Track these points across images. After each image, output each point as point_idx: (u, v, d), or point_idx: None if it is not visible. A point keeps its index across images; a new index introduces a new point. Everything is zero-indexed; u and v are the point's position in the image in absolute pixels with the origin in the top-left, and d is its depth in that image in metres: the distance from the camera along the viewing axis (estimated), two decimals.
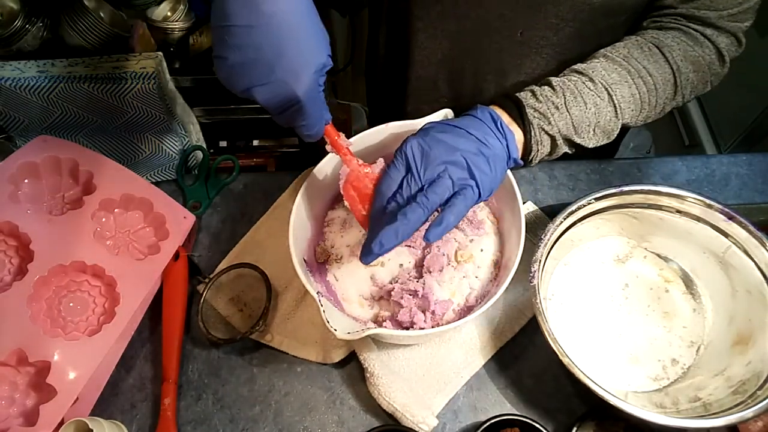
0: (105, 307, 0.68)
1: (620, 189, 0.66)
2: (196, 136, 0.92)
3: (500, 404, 0.66)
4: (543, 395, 0.66)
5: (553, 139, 0.66)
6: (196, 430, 0.65)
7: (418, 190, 0.56)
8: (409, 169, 0.57)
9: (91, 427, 0.56)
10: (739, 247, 0.65)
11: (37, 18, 0.79)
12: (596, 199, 0.66)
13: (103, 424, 0.58)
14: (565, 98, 0.65)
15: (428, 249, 0.66)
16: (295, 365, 0.69)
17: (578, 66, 0.68)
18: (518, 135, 0.64)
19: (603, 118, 0.66)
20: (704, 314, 0.69)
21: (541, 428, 0.60)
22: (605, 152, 0.99)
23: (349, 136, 0.69)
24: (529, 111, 0.65)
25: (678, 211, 0.67)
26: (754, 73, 1.36)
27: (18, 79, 0.75)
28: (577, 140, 0.67)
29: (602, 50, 0.69)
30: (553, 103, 0.65)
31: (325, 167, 0.67)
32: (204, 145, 0.91)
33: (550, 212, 0.77)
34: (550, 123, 0.65)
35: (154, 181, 0.81)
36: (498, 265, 0.66)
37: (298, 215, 0.62)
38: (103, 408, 0.66)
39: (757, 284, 0.63)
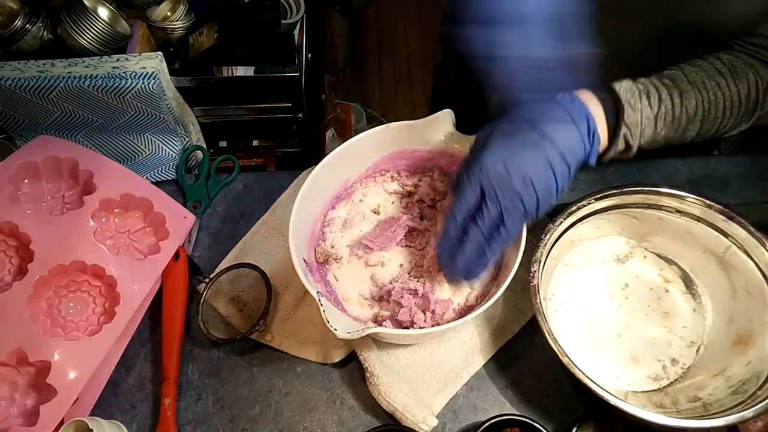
0: (105, 307, 0.68)
1: (620, 189, 0.66)
2: (196, 136, 0.92)
3: (500, 404, 0.66)
4: (543, 395, 0.66)
5: (629, 148, 0.64)
6: (196, 430, 0.65)
7: (498, 214, 0.56)
8: (486, 194, 0.56)
9: (91, 427, 0.56)
10: (738, 247, 0.64)
11: (37, 18, 0.79)
12: (596, 199, 0.66)
13: (103, 424, 0.58)
14: (657, 112, 0.63)
15: (428, 249, 0.66)
16: (295, 365, 0.69)
17: (672, 74, 0.65)
18: (603, 139, 0.62)
19: (671, 133, 0.65)
20: (704, 314, 0.69)
21: (541, 428, 0.60)
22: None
23: (349, 136, 0.69)
24: (624, 120, 0.62)
25: (678, 211, 0.67)
26: None
27: (18, 79, 0.75)
28: (646, 147, 0.65)
29: (688, 65, 0.65)
30: (647, 117, 0.62)
31: (326, 167, 0.67)
32: (204, 145, 0.91)
33: (550, 212, 0.76)
34: (634, 136, 0.63)
35: (154, 181, 0.81)
36: (498, 265, 0.66)
37: (298, 215, 0.62)
38: (103, 408, 0.66)
39: (757, 284, 0.63)
